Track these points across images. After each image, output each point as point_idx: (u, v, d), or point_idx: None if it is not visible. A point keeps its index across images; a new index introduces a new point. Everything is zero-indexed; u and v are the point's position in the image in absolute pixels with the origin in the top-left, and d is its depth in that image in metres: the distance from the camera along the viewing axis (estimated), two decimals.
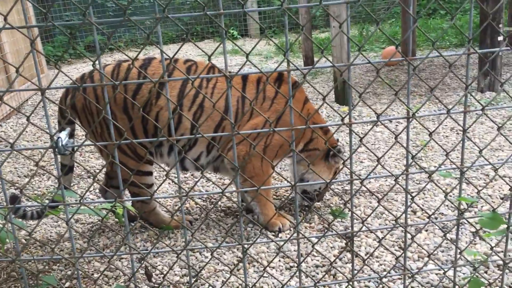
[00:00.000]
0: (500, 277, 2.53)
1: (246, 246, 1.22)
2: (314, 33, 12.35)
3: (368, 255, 2.92)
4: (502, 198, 3.48)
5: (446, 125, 5.06)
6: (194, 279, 2.60)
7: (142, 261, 1.54)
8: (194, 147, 3.17)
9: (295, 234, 1.38)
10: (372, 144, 4.76)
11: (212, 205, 3.66)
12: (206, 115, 3.05)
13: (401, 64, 7.91)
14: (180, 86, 3.06)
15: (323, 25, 13.22)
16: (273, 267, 2.88)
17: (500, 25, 5.81)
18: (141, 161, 3.11)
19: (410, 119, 1.25)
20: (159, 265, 2.97)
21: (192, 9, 13.05)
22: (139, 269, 2.82)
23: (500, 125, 1.46)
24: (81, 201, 1.31)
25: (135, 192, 3.26)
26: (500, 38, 5.77)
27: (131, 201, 3.37)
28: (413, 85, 6.75)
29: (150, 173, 3.27)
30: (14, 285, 2.73)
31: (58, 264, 3.00)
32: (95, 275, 2.87)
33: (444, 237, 1.49)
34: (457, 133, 4.85)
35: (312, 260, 2.93)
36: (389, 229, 1.46)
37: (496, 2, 5.51)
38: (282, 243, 2.94)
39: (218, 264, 2.93)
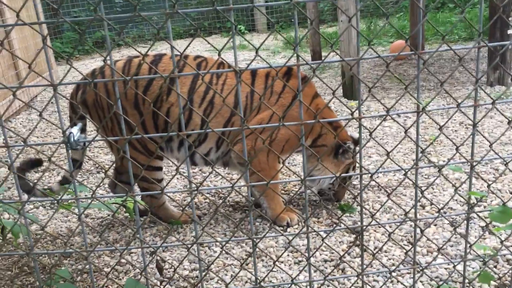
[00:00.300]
0: (510, 271, 2.52)
1: (256, 240, 1.23)
2: (321, 27, 12.31)
3: (377, 249, 2.92)
4: (511, 193, 3.46)
5: (455, 120, 5.03)
6: (204, 273, 2.62)
7: (154, 255, 1.55)
8: (204, 142, 3.19)
9: (305, 228, 1.39)
10: (380, 139, 4.75)
11: (221, 200, 3.69)
12: (216, 111, 3.07)
13: (409, 58, 7.86)
14: (191, 83, 3.07)
15: (331, 20, 13.16)
16: (282, 262, 2.89)
17: (510, 18, 5.76)
18: (151, 157, 3.13)
19: (420, 113, 1.25)
20: (168, 259, 2.99)
21: (199, 4, 13.05)
22: (150, 263, 2.85)
23: (510, 119, 1.45)
24: (93, 195, 1.32)
25: (144, 187, 3.29)
26: (510, 31, 5.71)
27: (140, 196, 3.40)
28: (422, 79, 6.71)
29: (160, 169, 3.29)
30: (25, 279, 2.77)
31: (68, 259, 3.03)
32: (106, 269, 2.89)
33: (454, 231, 1.49)
34: (466, 128, 4.82)
35: (320, 254, 2.94)
36: (398, 223, 1.46)
37: None
38: (291, 237, 2.95)
39: (227, 259, 2.95)
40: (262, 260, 2.93)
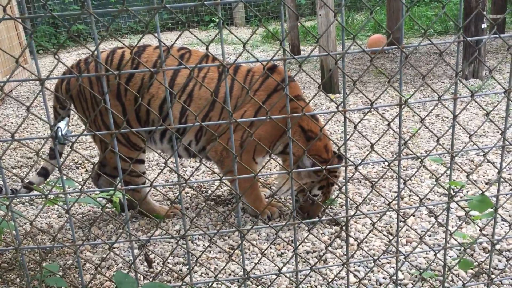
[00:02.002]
0: (487, 259, 2.61)
1: (243, 232, 1.25)
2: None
3: (360, 240, 2.98)
4: (487, 183, 3.56)
5: (431, 113, 5.14)
6: (193, 266, 2.63)
7: (142, 248, 1.56)
8: (183, 135, 3.17)
9: (291, 221, 1.42)
10: (359, 132, 4.81)
11: (204, 193, 3.70)
12: (194, 104, 3.05)
13: (386, 52, 7.96)
14: (172, 74, 3.06)
15: (309, 13, 13.21)
16: (265, 254, 2.92)
17: (484, 13, 5.89)
18: (133, 149, 3.14)
19: (403, 106, 1.29)
20: (151, 254, 2.99)
21: None
22: (138, 256, 2.84)
23: (488, 111, 1.50)
24: (81, 189, 1.32)
25: (126, 180, 3.27)
26: (484, 25, 5.85)
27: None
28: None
29: (142, 161, 3.29)
30: (18, 273, 2.74)
31: (49, 254, 3.01)
32: (87, 265, 2.88)
33: (436, 220, 1.54)
34: (442, 120, 4.92)
35: (302, 246, 2.98)
36: (382, 213, 1.50)
37: None
38: (278, 229, 2.99)
39: (210, 252, 2.97)
40: (246, 253, 2.96)
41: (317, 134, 3.13)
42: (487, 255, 2.71)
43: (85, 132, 1.30)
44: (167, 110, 3.04)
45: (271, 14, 12.92)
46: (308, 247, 2.97)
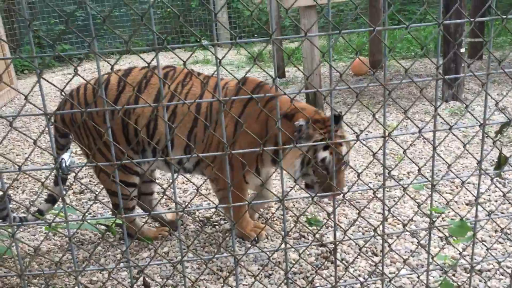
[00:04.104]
0: (467, 279, 2.70)
1: (238, 257, 1.32)
2: (284, 43, 12.56)
3: (347, 263, 3.05)
4: (467, 204, 3.68)
5: (413, 134, 5.28)
6: None
7: (140, 273, 1.61)
8: (172, 150, 3.20)
9: (283, 245, 1.49)
10: (345, 162, 4.92)
11: (192, 215, 3.74)
12: (177, 121, 3.08)
13: (370, 74, 8.16)
14: (156, 93, 3.11)
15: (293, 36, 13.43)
16: (252, 275, 2.98)
17: (463, 38, 6.10)
18: (127, 172, 3.20)
19: (387, 138, 1.38)
20: (139, 275, 3.02)
21: (162, 18, 13.08)
22: (137, 281, 2.87)
23: (465, 143, 1.60)
24: (83, 218, 1.38)
25: (115, 203, 3.31)
26: (463, 50, 6.05)
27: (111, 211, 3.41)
28: (380, 95, 6.98)
29: (135, 185, 3.32)
30: None
31: (37, 278, 3.02)
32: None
33: (418, 244, 1.63)
34: (424, 142, 5.06)
35: (290, 268, 3.04)
36: (369, 238, 1.58)
37: (458, 15, 5.78)
38: (270, 254, 3.04)
39: (199, 274, 3.01)
40: (233, 275, 3.01)
41: (298, 109, 2.89)
42: (468, 275, 2.81)
43: (88, 163, 1.36)
44: (151, 127, 3.12)
45: (256, 35, 13.13)
46: (295, 268, 3.03)
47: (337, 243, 1.56)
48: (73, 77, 1.29)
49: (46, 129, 1.16)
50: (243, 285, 2.91)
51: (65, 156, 1.29)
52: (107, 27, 12.71)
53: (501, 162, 1.59)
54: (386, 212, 2.06)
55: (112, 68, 1.38)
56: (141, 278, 2.88)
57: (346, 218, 3.62)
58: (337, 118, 2.82)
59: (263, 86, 3.18)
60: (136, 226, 3.42)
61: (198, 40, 1.28)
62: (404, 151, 1.46)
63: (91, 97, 3.13)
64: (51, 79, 9.81)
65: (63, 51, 11.60)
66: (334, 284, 1.44)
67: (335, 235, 1.55)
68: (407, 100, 6.69)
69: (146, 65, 3.30)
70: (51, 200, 3.36)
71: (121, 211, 1.35)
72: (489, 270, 2.87)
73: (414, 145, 5.00)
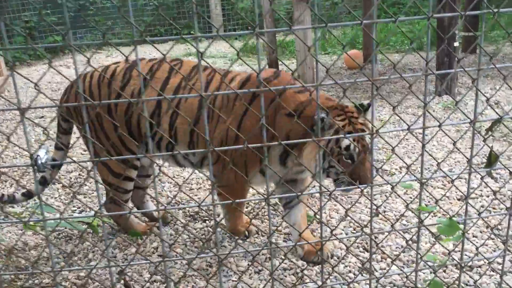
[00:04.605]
0: (459, 276, 2.68)
1: (221, 257, 1.28)
2: (277, 36, 12.48)
3: (339, 259, 3.03)
4: (459, 199, 3.66)
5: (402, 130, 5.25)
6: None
7: (122, 274, 1.57)
8: (176, 145, 3.13)
9: (269, 244, 1.45)
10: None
11: (181, 211, 3.70)
12: (181, 117, 3.00)
13: (363, 68, 8.12)
14: (160, 88, 3.03)
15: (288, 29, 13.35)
16: (242, 271, 2.94)
17: (456, 31, 6.07)
18: (124, 165, 3.16)
19: (375, 135, 1.34)
20: (128, 271, 2.98)
21: (155, 10, 12.97)
22: (118, 282, 2.83)
23: (455, 141, 1.57)
24: (61, 216, 1.33)
25: (111, 195, 3.27)
26: (456, 43, 6.02)
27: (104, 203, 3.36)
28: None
29: (131, 179, 3.25)
30: None
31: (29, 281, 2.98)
32: (63, 283, 2.86)
33: (407, 243, 1.60)
34: (416, 136, 5.04)
35: (280, 263, 3.01)
36: (355, 237, 1.55)
37: (452, 8, 5.75)
38: (255, 253, 3.00)
39: (188, 270, 2.97)
40: (223, 270, 2.97)
41: (308, 101, 2.81)
42: (458, 271, 2.79)
43: (65, 161, 1.31)
44: (157, 123, 3.06)
45: (249, 28, 13.04)
46: (285, 263, 3.00)
47: (324, 242, 1.53)
48: (48, 70, 1.23)
49: (38, 124, 1.12)
50: (232, 280, 2.88)
51: (41, 153, 1.24)
52: (98, 19, 12.60)
53: (491, 160, 1.56)
54: (381, 209, 2.02)
55: (88, 61, 1.33)
56: (126, 276, 2.84)
57: (338, 213, 3.60)
58: (366, 108, 2.78)
59: (272, 81, 2.98)
60: (125, 221, 3.38)
61: (178, 32, 1.23)
62: (393, 149, 1.43)
63: (96, 86, 3.08)
64: (42, 71, 9.71)
65: (54, 42, 11.48)
66: (321, 284, 1.40)
67: (321, 234, 1.51)
68: (400, 94, 6.67)
69: (154, 57, 3.25)
70: (28, 195, 3.32)
71: (102, 209, 1.30)
72: (479, 267, 2.86)
73: (407, 139, 4.98)
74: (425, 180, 1.44)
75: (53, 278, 1.32)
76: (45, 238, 3.38)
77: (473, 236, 3.18)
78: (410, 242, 2.24)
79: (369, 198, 1.44)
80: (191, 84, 3.08)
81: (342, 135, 2.57)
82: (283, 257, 3.03)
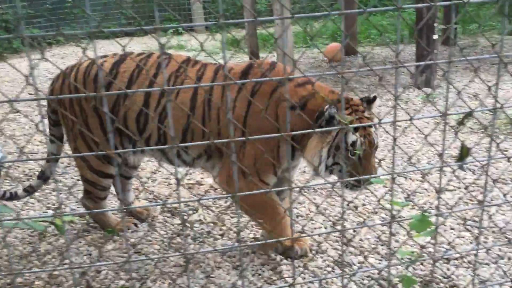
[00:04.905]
0: (436, 269, 2.69)
1: (189, 256, 1.24)
2: (259, 28, 12.42)
3: (316, 256, 3.01)
4: (438, 191, 3.67)
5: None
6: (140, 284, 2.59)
7: (84, 275, 1.52)
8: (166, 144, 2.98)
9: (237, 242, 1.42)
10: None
11: (170, 210, 3.64)
12: (170, 116, 2.86)
13: (345, 60, 8.13)
14: (148, 84, 2.88)
15: (269, 21, 13.30)
16: (220, 267, 2.91)
17: (435, 24, 6.09)
18: (106, 162, 3.08)
19: (345, 130, 1.31)
20: (104, 269, 2.92)
21: (134, 2, 12.79)
22: (80, 284, 2.77)
23: (426, 134, 1.55)
24: (18, 216, 1.28)
25: (88, 190, 3.20)
26: (435, 36, 6.04)
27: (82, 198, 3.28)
28: (355, 81, 6.96)
29: (111, 176, 3.17)
30: None
31: None
32: (36, 283, 2.79)
33: (378, 238, 1.58)
34: (390, 126, 5.04)
35: (258, 258, 2.98)
36: (327, 234, 1.52)
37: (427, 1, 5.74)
38: (224, 252, 2.96)
39: (165, 266, 2.93)
40: (200, 266, 2.93)
41: (311, 94, 2.66)
42: (436, 263, 2.80)
43: (22, 158, 1.26)
44: (142, 122, 2.92)
45: (217, 20, 12.94)
46: (264, 259, 2.98)
47: (295, 239, 1.50)
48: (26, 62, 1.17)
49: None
50: (210, 277, 2.84)
51: None
52: (77, 11, 12.37)
53: (463, 154, 1.54)
54: (360, 203, 1.99)
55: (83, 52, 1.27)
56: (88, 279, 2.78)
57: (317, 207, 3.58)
58: (371, 101, 2.68)
59: (268, 75, 2.75)
60: (103, 217, 3.31)
61: (138, 24, 1.18)
62: (373, 145, 1.40)
63: (81, 82, 2.95)
64: (19, 64, 9.51)
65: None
66: (292, 282, 1.37)
67: (292, 232, 1.48)
68: (381, 87, 6.67)
69: (142, 51, 3.11)
70: (42, 176, 3.29)
71: (59, 210, 1.25)
72: (456, 259, 2.87)
73: (387, 132, 4.98)
74: (396, 175, 1.41)
75: (11, 281, 1.26)
76: (25, 235, 3.31)
77: (451, 229, 3.19)
78: (388, 235, 2.22)
79: (340, 195, 1.41)
80: (180, 80, 2.87)
81: (352, 133, 2.43)
82: (261, 252, 3.01)
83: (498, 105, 1.40)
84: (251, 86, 2.76)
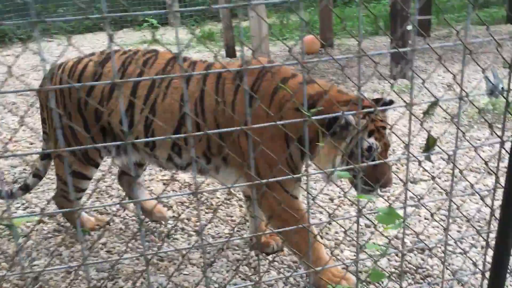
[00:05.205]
0: (411, 259, 2.68)
1: (148, 257, 1.19)
2: (235, 22, 12.33)
3: (274, 257, 2.98)
4: (412, 182, 3.68)
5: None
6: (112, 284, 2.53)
7: (36, 281, 1.46)
8: (155, 148, 2.74)
9: (201, 241, 1.38)
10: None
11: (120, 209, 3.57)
12: (159, 119, 2.59)
13: (321, 52, 8.11)
14: (133, 84, 2.66)
15: (244, 14, 13.22)
16: (194, 264, 2.86)
17: (409, 14, 6.10)
18: (88, 164, 2.95)
19: (307, 122, 1.28)
20: (75, 267, 2.84)
21: None
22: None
23: (391, 125, 1.53)
24: None
25: (62, 189, 3.07)
26: (410, 27, 6.05)
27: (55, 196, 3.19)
28: (331, 73, 6.96)
29: (89, 178, 3.04)
30: None
31: None
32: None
33: (345, 233, 1.55)
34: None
35: (233, 254, 2.95)
36: (292, 229, 1.49)
37: None
38: (184, 252, 2.91)
39: (137, 265, 2.87)
40: (174, 264, 2.88)
41: (319, 94, 2.39)
42: (411, 254, 2.80)
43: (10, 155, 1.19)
44: (130, 125, 2.68)
45: (206, 13, 12.83)
46: (239, 254, 2.94)
47: (259, 236, 1.46)
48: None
49: None
50: (184, 274, 2.79)
51: None
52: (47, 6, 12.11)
53: (429, 144, 1.52)
54: (335, 196, 1.95)
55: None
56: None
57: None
58: (385, 104, 2.38)
59: (269, 71, 2.51)
60: (75, 216, 3.22)
61: (132, 19, 1.12)
62: (325, 134, 1.37)
63: (66, 81, 2.79)
64: None
65: (1, 31, 10.99)
66: (258, 280, 1.34)
67: (256, 230, 1.44)
68: (355, 78, 6.68)
69: (127, 49, 2.94)
70: (37, 175, 3.23)
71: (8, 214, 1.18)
72: (429, 249, 2.87)
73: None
74: (359, 168, 1.38)
75: None
76: None
77: (425, 219, 3.20)
78: (346, 234, 2.20)
79: (305, 189, 1.38)
80: (167, 80, 2.64)
81: (368, 137, 2.26)
82: (236, 248, 2.97)
83: (464, 94, 1.38)
84: (249, 86, 2.49)
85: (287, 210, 2.23)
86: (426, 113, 1.49)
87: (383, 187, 2.43)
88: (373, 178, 2.30)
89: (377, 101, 2.39)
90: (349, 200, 3.38)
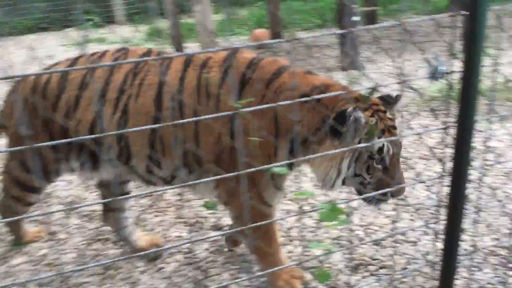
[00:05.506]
0: (366, 251, 2.64)
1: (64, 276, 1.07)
2: (183, 18, 12.12)
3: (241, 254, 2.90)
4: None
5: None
6: None
7: None
8: (131, 159, 2.43)
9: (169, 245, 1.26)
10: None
11: (87, 215, 3.35)
12: (132, 122, 2.32)
13: (269, 46, 8.07)
14: (102, 88, 2.39)
15: (190, 10, 13.05)
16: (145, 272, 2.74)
17: (355, 6, 6.13)
18: (21, 188, 2.68)
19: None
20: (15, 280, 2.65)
21: None
22: None
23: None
24: None
25: (15, 196, 2.74)
26: (355, 18, 6.08)
27: None
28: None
29: (40, 191, 2.79)
30: None
31: None
32: None
33: (288, 234, 1.47)
34: None
35: (201, 253, 2.83)
36: (228, 233, 1.39)
37: None
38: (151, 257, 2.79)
39: (82, 276, 2.71)
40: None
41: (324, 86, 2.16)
42: (364, 246, 2.76)
43: None
44: (97, 131, 2.36)
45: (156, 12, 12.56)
46: (189, 259, 2.83)
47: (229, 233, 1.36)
48: None
49: None
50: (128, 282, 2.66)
51: None
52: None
53: (371, 133, 1.46)
54: (287, 191, 1.85)
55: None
56: None
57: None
58: (394, 99, 2.21)
59: (258, 63, 2.28)
60: (17, 227, 3.00)
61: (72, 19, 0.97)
62: (258, 127, 1.28)
63: (30, 94, 2.47)
64: None
65: None
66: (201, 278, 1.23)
67: (226, 230, 1.34)
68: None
69: (94, 51, 2.61)
70: None
71: None
72: (383, 240, 2.85)
73: None
74: (295, 161, 1.30)
75: None
76: None
77: (378, 209, 3.17)
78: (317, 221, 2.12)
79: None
80: (140, 78, 2.37)
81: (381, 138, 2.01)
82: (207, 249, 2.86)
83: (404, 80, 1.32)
84: (239, 77, 2.24)
85: (256, 215, 2.09)
86: (366, 99, 1.42)
87: (395, 196, 2.14)
88: (384, 186, 2.03)
89: (387, 99, 2.20)
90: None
